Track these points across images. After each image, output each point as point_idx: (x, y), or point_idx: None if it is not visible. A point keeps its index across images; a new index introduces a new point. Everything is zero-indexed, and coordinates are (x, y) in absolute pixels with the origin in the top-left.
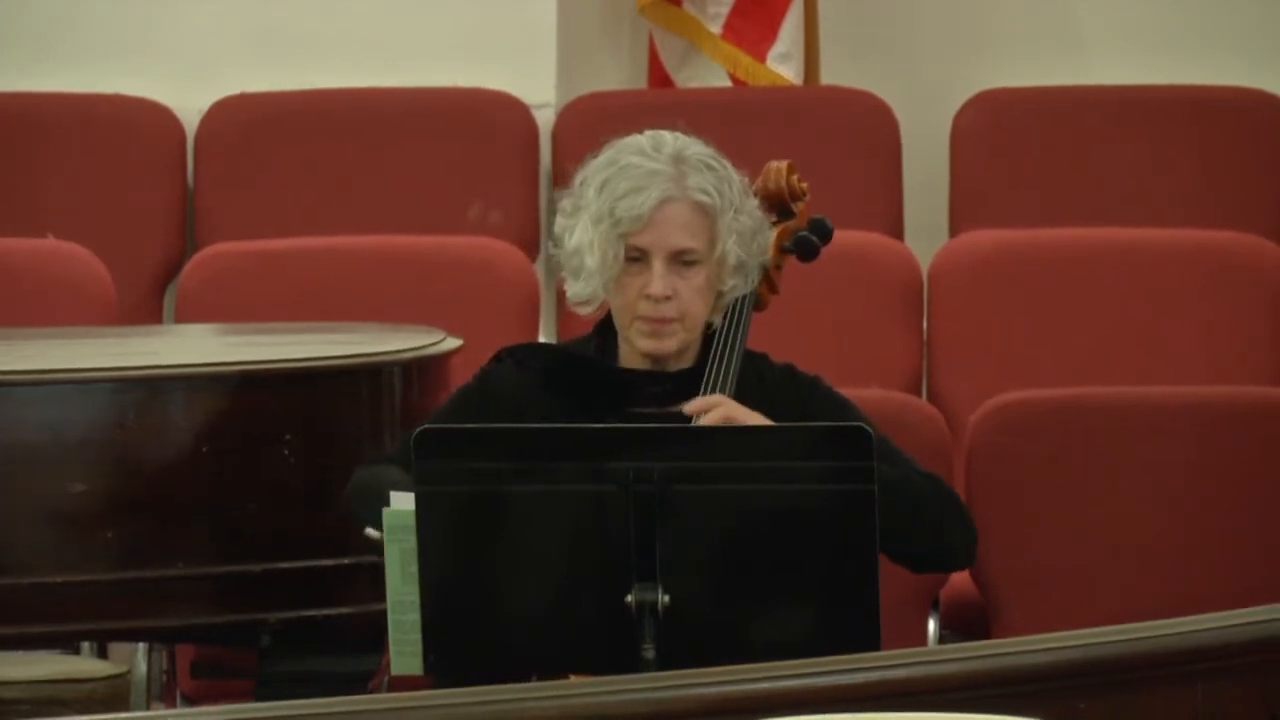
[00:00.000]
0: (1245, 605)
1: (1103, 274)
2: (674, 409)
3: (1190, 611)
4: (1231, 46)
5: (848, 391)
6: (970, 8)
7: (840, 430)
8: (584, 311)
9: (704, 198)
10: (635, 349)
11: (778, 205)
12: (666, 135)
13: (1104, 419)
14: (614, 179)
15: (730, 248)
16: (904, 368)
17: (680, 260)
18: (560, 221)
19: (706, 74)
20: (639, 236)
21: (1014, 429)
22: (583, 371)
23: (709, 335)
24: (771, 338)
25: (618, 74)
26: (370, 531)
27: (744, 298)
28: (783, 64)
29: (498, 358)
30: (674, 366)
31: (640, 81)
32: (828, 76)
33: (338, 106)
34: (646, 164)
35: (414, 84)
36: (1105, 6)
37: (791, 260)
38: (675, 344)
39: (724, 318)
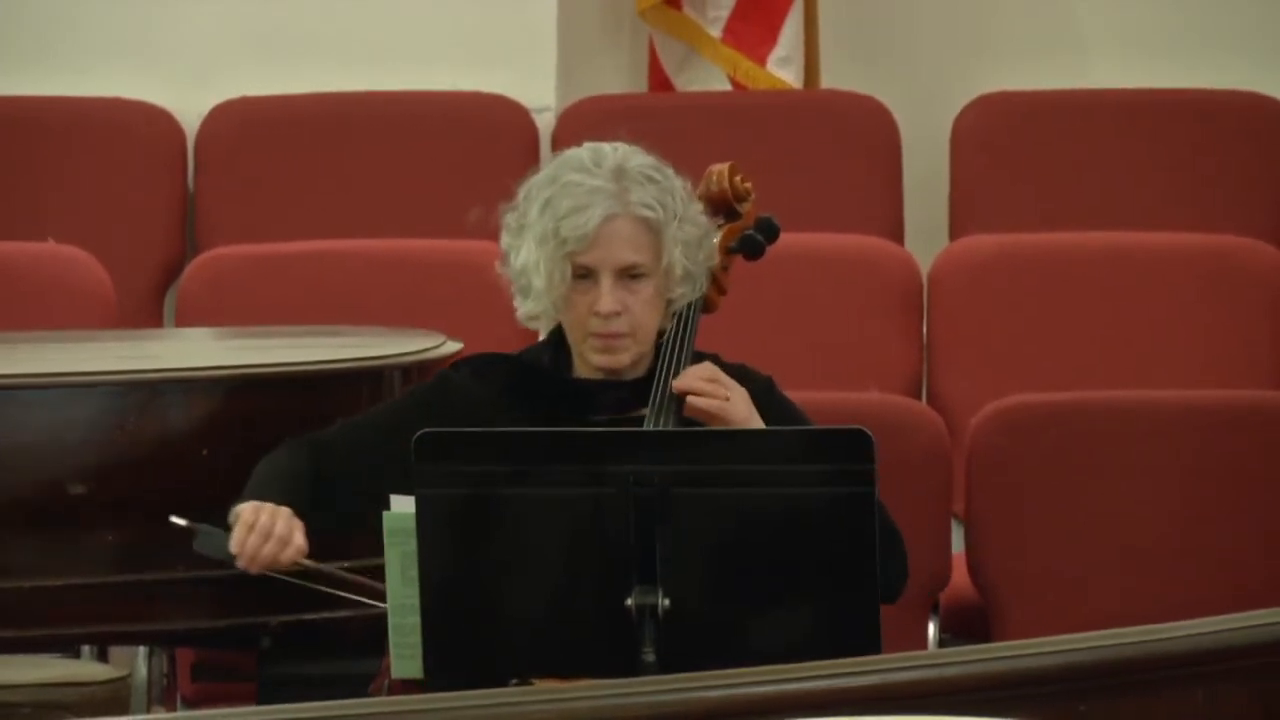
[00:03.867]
0: (1245, 608)
1: (1102, 277)
2: (635, 414)
3: (1190, 614)
4: (1231, 50)
5: (847, 395)
6: (970, 11)
7: (840, 433)
8: (535, 327)
9: (648, 212)
10: (588, 363)
11: (723, 208)
12: (606, 148)
13: (1104, 422)
14: (556, 197)
15: (677, 258)
16: (904, 371)
17: (628, 275)
18: (505, 239)
19: (706, 77)
20: (585, 255)
21: (1014, 432)
22: (539, 382)
23: (661, 342)
24: (771, 341)
25: (618, 77)
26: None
27: (691, 301)
28: (783, 67)
29: (454, 367)
30: (629, 375)
31: (640, 85)
32: (828, 80)
33: (338, 110)
34: (588, 181)
35: (414, 87)
36: (1105, 10)
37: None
38: (628, 358)
39: (673, 322)
